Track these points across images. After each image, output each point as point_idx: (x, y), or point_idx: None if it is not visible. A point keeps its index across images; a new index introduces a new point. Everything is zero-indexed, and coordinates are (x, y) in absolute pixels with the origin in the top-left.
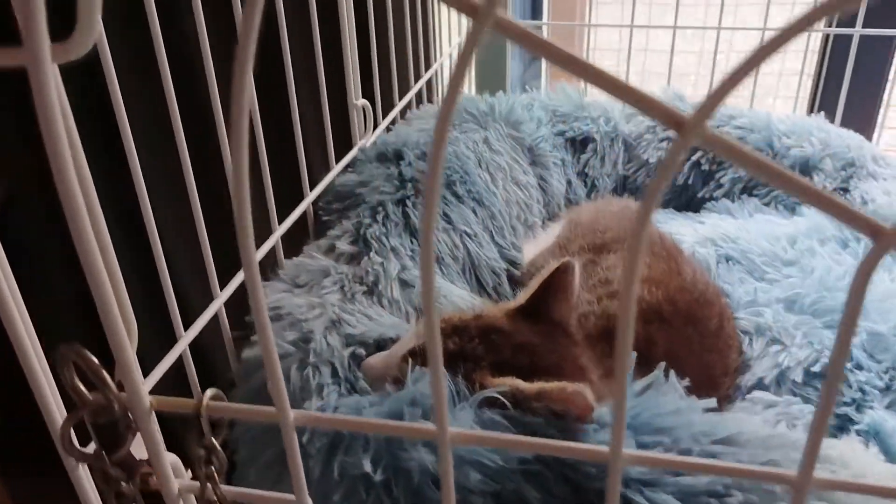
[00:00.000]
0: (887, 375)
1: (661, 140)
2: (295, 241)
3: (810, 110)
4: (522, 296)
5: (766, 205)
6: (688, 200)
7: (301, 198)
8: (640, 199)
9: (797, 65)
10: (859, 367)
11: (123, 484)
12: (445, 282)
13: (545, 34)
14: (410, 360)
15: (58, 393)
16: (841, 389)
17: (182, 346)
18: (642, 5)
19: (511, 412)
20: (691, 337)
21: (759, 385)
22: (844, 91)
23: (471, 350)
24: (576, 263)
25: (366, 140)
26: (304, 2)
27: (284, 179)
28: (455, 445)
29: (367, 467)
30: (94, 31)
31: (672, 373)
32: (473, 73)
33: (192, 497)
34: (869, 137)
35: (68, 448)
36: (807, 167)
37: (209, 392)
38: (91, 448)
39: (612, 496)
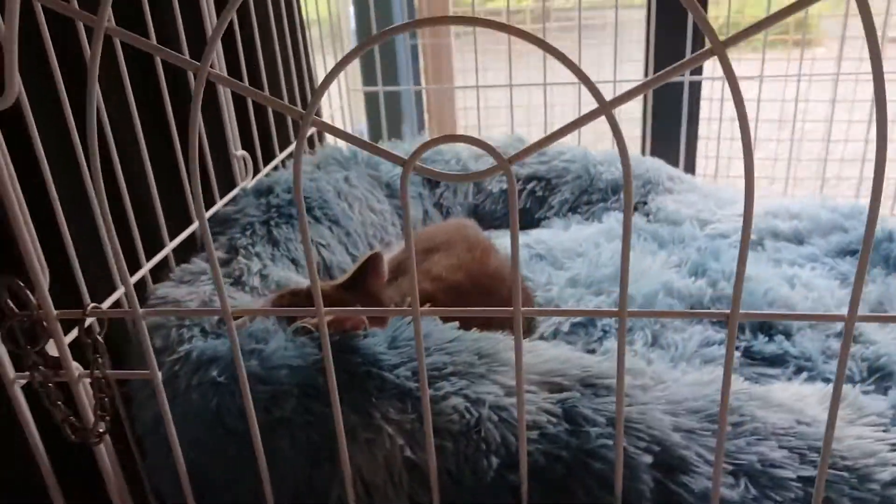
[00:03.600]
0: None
1: (502, 174)
2: (186, 256)
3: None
4: (345, 276)
5: (587, 220)
6: (528, 221)
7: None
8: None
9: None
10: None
11: (41, 368)
12: (299, 276)
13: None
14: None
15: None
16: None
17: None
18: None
19: (314, 335)
20: (479, 302)
21: (540, 339)
22: (684, 133)
23: (298, 304)
24: (382, 253)
25: (246, 182)
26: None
27: (176, 210)
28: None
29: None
30: (14, 90)
31: (438, 319)
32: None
33: (87, 381)
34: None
35: (7, 345)
36: (617, 187)
37: (90, 304)
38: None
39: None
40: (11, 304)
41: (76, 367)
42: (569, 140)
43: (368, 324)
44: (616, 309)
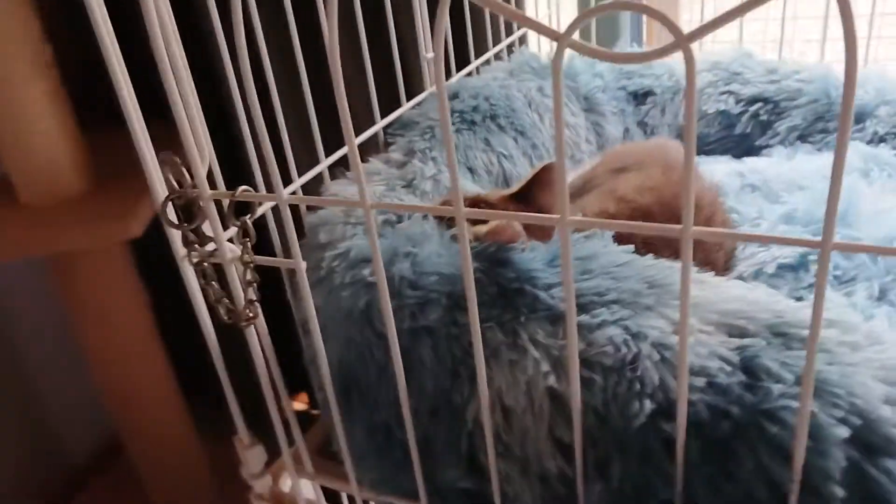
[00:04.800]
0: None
1: (721, 93)
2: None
3: None
4: (516, 186)
5: (818, 150)
6: (748, 149)
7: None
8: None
9: None
10: None
11: (198, 247)
12: (469, 182)
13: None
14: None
15: (164, 183)
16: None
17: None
18: None
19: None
20: None
21: (738, 278)
22: None
23: None
24: (555, 164)
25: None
26: None
27: (361, 112)
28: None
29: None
30: None
31: (609, 235)
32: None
33: (238, 262)
34: None
35: (166, 219)
36: (863, 113)
37: (242, 187)
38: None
39: None
40: (172, 180)
41: (230, 250)
42: (809, 56)
43: (527, 236)
44: (818, 239)
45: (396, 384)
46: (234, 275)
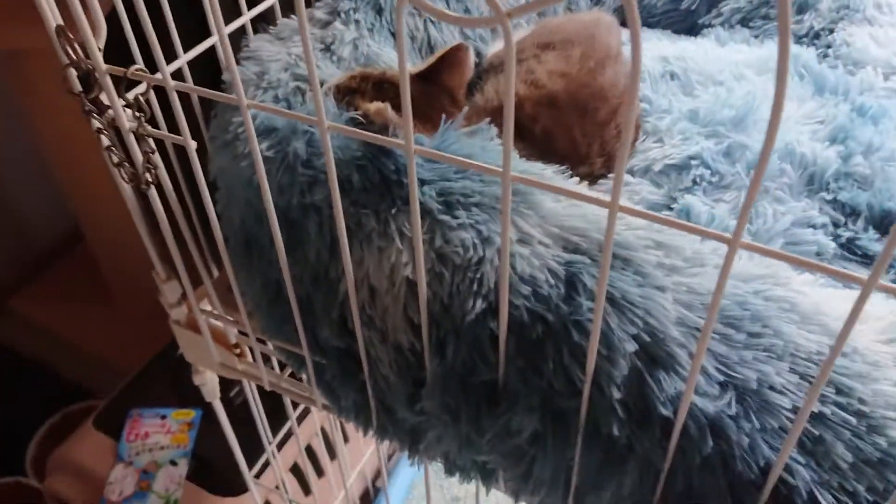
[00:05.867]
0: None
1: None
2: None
3: None
4: (425, 63)
5: (756, 37)
6: (691, 26)
7: None
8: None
9: None
10: (706, 165)
11: (96, 115)
12: (389, 49)
13: None
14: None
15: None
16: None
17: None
18: None
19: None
20: (570, 120)
21: (629, 172)
22: None
23: (364, 88)
24: (469, 46)
25: None
26: None
27: None
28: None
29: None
30: None
31: (495, 130)
32: None
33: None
34: None
35: (65, 86)
36: (805, 5)
37: (134, 66)
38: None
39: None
40: (71, 52)
41: (128, 119)
42: None
43: (415, 129)
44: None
45: (286, 251)
46: (133, 143)
